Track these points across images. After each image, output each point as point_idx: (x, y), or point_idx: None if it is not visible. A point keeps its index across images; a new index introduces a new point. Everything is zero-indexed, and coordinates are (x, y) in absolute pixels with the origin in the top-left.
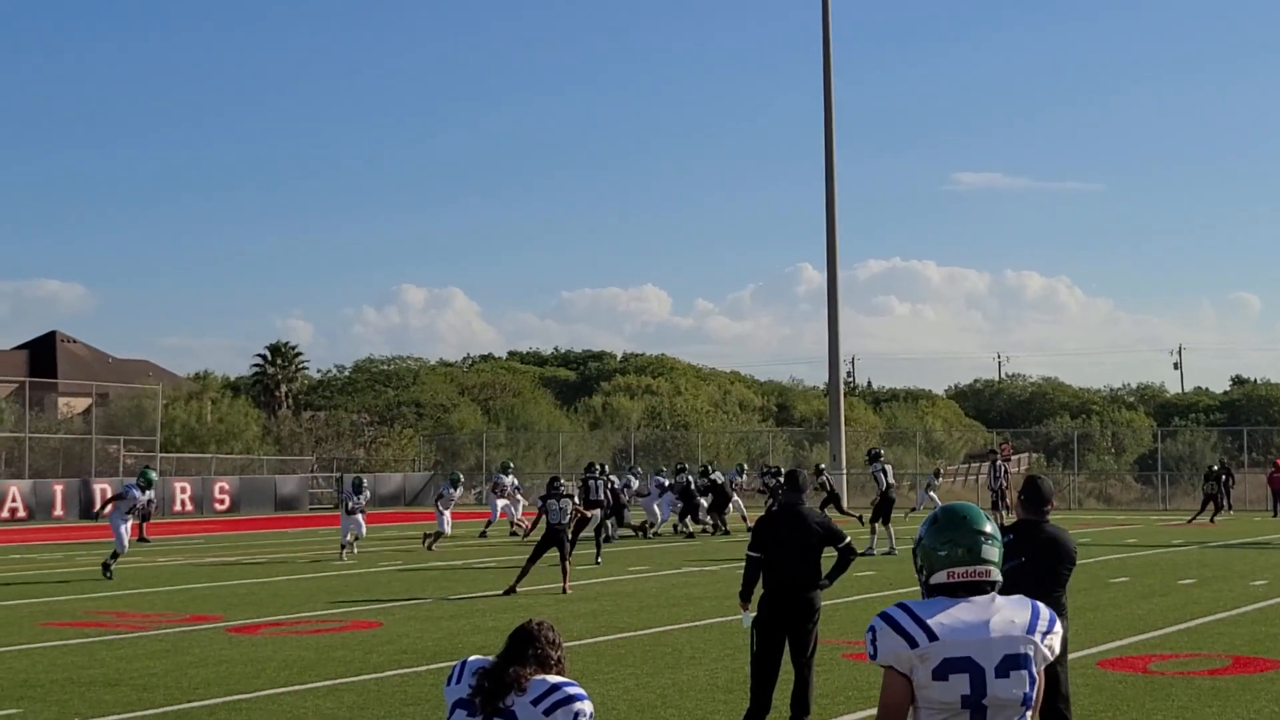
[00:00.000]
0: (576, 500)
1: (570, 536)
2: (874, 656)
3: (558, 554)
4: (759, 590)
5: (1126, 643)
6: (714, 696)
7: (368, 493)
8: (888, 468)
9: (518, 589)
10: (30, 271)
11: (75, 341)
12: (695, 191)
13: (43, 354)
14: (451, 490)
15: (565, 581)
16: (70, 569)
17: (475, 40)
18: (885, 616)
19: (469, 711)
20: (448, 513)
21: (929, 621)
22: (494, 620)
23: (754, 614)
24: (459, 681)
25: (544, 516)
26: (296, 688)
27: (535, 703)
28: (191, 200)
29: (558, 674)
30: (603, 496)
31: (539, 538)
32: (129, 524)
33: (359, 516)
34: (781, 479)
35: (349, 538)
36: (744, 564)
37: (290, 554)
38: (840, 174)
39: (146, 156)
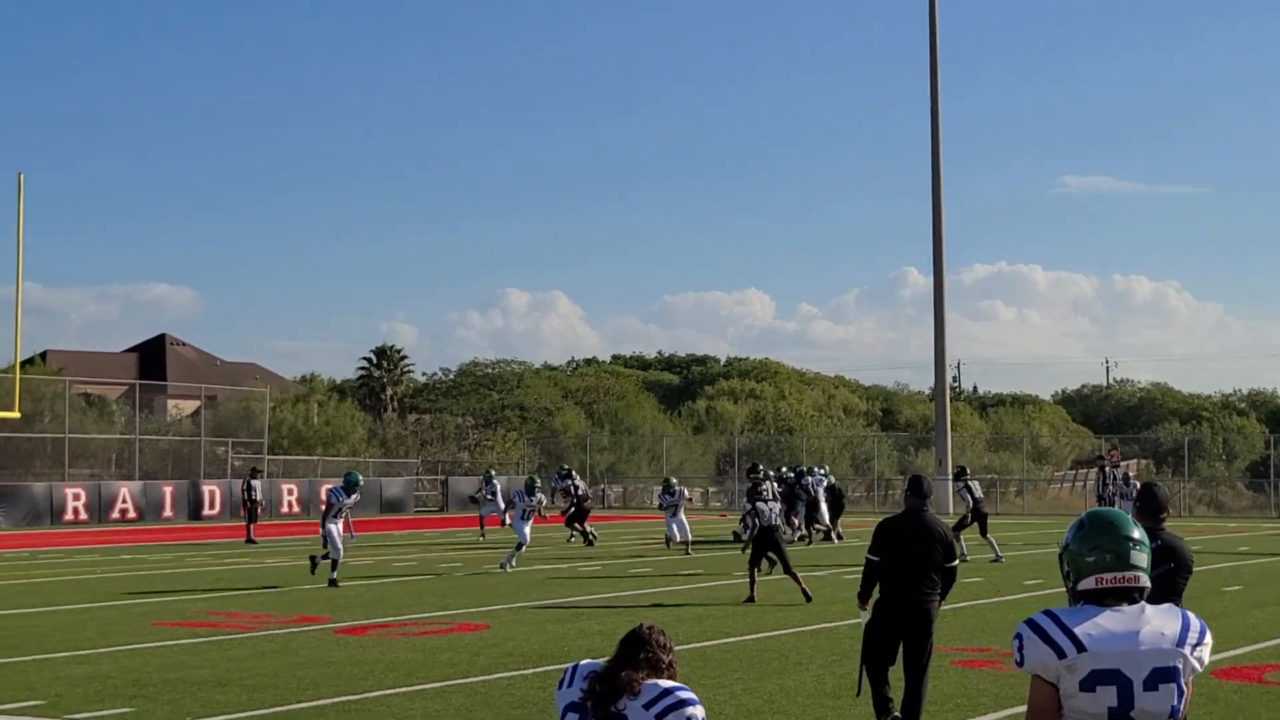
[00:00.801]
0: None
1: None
2: (1020, 664)
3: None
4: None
5: (1241, 652)
6: (821, 702)
7: (541, 495)
8: (974, 484)
9: (755, 597)
10: (141, 275)
11: (184, 345)
12: (799, 195)
13: (153, 357)
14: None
15: (802, 585)
16: (180, 569)
17: (584, 47)
18: (1032, 625)
19: (580, 715)
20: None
21: (1077, 631)
22: (600, 624)
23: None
24: (570, 685)
25: (755, 520)
26: (404, 690)
27: (647, 706)
28: (298, 205)
29: (669, 678)
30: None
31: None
32: (339, 526)
33: (527, 526)
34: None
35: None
36: (862, 568)
37: (396, 556)
38: (946, 177)
39: (256, 161)
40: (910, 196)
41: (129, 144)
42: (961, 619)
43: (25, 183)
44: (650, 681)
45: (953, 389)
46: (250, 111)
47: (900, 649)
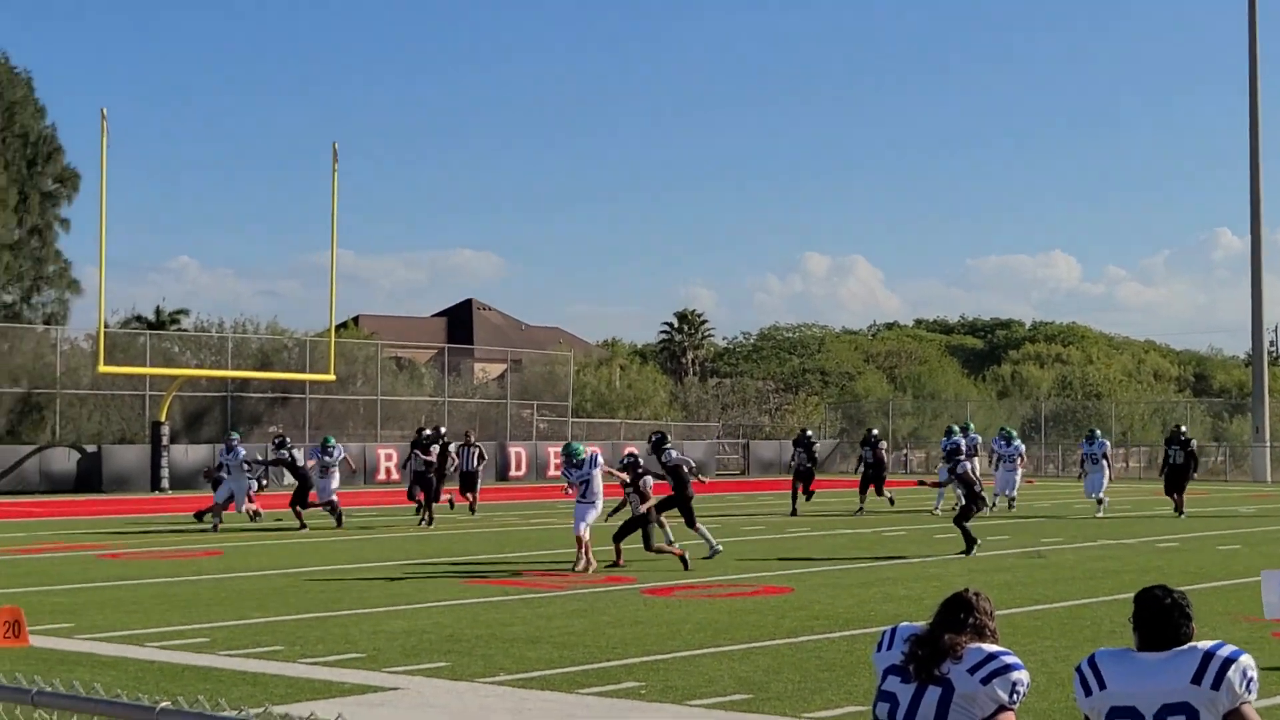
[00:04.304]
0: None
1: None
2: None
3: None
4: None
5: None
6: None
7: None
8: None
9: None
10: (448, 242)
11: (490, 309)
12: (1105, 155)
13: (460, 321)
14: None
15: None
16: (488, 529)
17: (881, 23)
18: None
19: (902, 678)
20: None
21: None
22: (905, 589)
23: None
24: (890, 648)
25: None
26: (711, 650)
27: (972, 671)
28: (598, 171)
29: (992, 644)
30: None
31: None
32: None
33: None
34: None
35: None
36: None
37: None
38: (1264, 133)
39: (556, 129)
40: (1223, 154)
41: (433, 114)
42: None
43: (339, 152)
44: (974, 646)
45: (1270, 353)
46: (549, 85)
47: None
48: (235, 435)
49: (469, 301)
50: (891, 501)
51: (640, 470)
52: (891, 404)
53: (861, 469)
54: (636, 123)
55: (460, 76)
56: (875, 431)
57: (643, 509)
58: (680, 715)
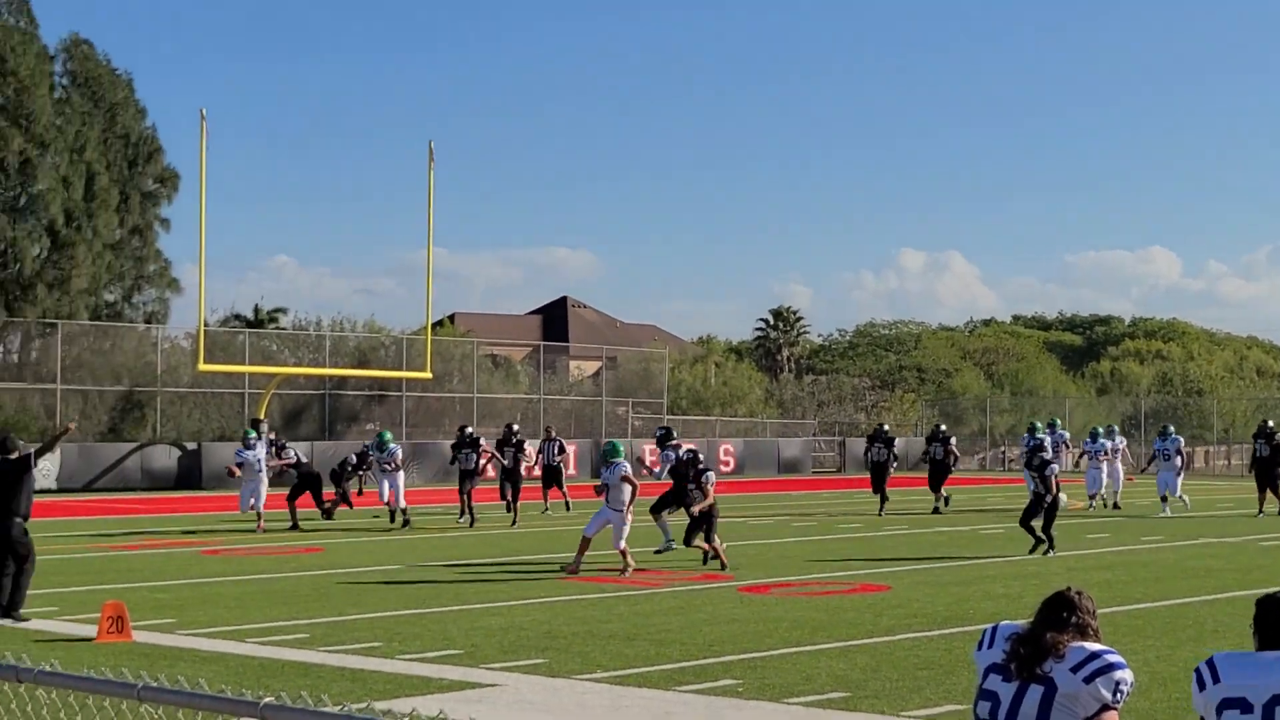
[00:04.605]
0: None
1: None
2: None
3: None
4: None
5: None
6: None
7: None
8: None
9: None
10: (543, 239)
11: (585, 307)
12: (1206, 148)
13: (555, 319)
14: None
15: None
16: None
17: (978, 19)
18: None
19: (1004, 676)
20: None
21: None
22: (1004, 587)
23: None
24: (991, 646)
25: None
26: (808, 648)
27: (1075, 670)
28: (693, 168)
29: (1095, 643)
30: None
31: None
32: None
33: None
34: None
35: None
36: None
37: (795, 516)
38: None
39: (653, 125)
40: None
41: (529, 112)
42: None
43: (435, 150)
44: (1076, 644)
45: None
46: (644, 85)
47: None
48: (253, 434)
49: (564, 299)
50: (947, 503)
51: (702, 466)
52: (989, 401)
53: (929, 466)
54: (732, 120)
55: (555, 75)
56: (944, 428)
57: (695, 510)
58: (778, 713)
